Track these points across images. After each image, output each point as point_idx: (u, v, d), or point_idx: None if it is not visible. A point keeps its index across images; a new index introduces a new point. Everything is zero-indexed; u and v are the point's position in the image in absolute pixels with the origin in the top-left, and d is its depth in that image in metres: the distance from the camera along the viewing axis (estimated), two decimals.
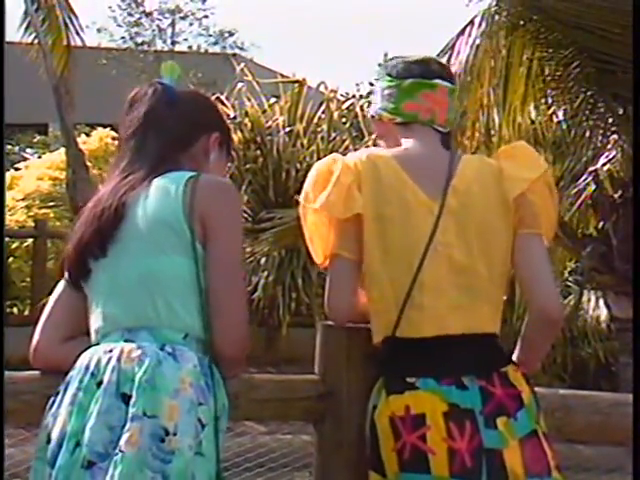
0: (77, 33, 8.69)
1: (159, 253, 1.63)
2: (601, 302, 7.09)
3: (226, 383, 1.65)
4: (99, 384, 1.58)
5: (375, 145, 2.10)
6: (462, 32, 5.64)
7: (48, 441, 1.60)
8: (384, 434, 1.71)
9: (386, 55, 18.88)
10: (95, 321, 1.68)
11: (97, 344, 1.66)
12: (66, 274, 1.75)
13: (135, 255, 1.65)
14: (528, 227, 1.78)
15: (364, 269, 1.77)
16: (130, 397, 1.55)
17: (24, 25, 8.64)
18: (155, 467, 1.51)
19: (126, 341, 1.62)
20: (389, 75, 1.85)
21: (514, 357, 1.83)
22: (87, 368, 1.61)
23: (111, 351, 1.61)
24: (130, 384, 1.56)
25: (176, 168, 1.70)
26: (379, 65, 1.93)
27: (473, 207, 1.76)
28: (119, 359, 1.59)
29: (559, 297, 1.87)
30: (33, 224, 8.72)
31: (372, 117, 1.91)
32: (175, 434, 1.53)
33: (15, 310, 8.52)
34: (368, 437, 1.74)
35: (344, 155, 1.80)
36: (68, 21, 8.64)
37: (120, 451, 1.52)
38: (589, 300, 7.23)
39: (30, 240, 8.59)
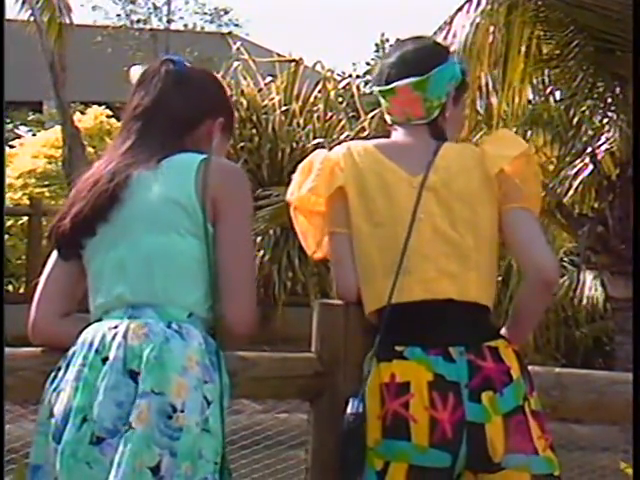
0: (68, 12, 8.62)
1: (170, 231, 1.63)
2: (596, 282, 7.11)
3: (227, 362, 1.65)
4: (104, 360, 1.58)
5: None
6: (460, 9, 5.61)
7: (50, 416, 1.60)
8: (372, 402, 1.72)
9: (383, 35, 18.67)
10: (98, 297, 1.67)
11: (99, 320, 1.65)
12: (57, 248, 1.74)
13: (142, 233, 1.64)
14: (514, 201, 1.82)
15: (353, 243, 1.82)
16: (137, 374, 1.55)
17: (20, 1, 8.57)
18: (163, 444, 1.52)
19: (130, 318, 1.61)
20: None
21: (504, 330, 1.84)
22: (91, 344, 1.61)
23: (116, 327, 1.60)
24: (138, 361, 1.56)
25: (180, 151, 1.69)
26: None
27: (454, 181, 1.81)
28: (125, 336, 1.58)
29: (554, 257, 1.89)
30: (28, 202, 8.69)
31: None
32: (183, 411, 1.53)
33: (10, 288, 8.52)
34: (360, 406, 1.72)
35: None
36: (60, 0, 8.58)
37: (131, 427, 1.52)
38: (584, 280, 7.24)
39: (25, 218, 8.57)
